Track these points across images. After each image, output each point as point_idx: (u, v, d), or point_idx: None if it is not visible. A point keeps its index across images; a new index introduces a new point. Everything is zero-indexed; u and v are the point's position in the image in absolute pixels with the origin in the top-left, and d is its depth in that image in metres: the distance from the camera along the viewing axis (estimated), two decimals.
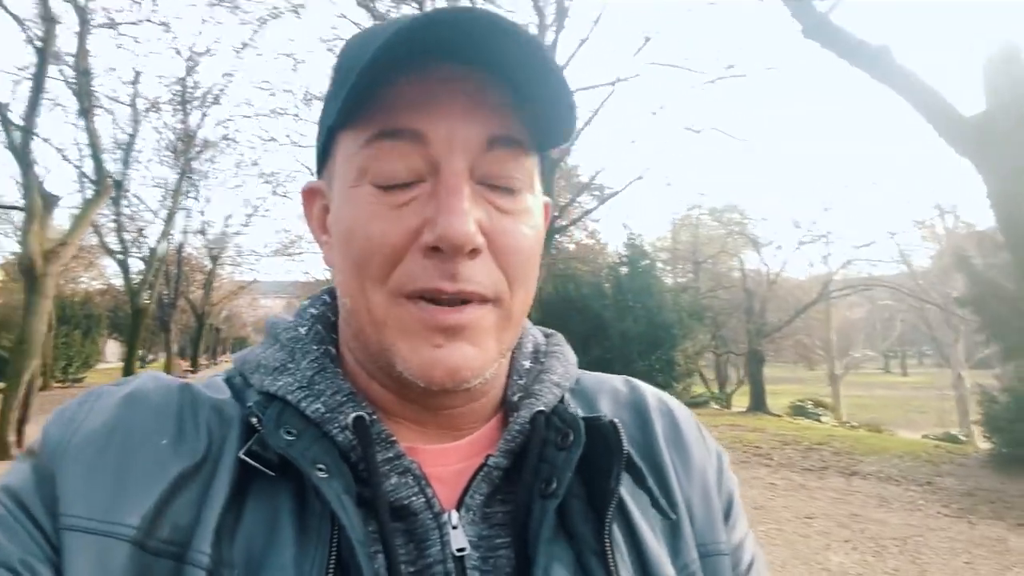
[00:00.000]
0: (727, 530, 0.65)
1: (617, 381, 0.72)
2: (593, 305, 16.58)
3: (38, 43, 10.53)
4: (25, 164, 10.66)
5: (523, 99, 0.54)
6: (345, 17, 14.84)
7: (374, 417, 0.55)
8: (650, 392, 0.71)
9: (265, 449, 0.52)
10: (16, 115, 10.81)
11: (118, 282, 26.75)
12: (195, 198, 23.95)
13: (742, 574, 0.65)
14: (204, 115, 19.92)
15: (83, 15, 11.81)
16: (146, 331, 25.16)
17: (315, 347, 0.59)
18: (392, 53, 0.49)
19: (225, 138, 21.18)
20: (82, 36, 11.80)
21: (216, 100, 19.51)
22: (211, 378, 0.62)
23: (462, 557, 0.53)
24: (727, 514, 0.66)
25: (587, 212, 19.72)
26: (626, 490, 0.59)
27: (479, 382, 0.54)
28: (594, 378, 0.71)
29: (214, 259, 29.89)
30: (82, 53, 11.82)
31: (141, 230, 22.15)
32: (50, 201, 11.34)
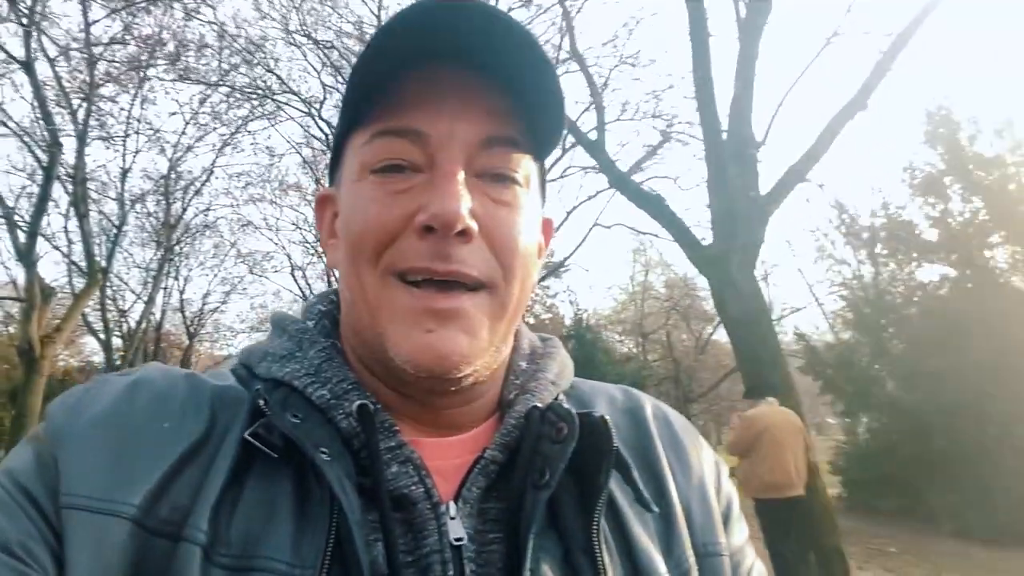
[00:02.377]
0: (727, 534, 0.65)
1: (614, 389, 0.72)
2: None
3: (44, 164, 12.60)
4: (28, 263, 12.55)
5: (520, 102, 0.56)
6: (314, 121, 17.00)
7: (378, 406, 0.56)
8: (647, 400, 0.71)
9: (270, 432, 0.52)
10: (19, 218, 12.80)
11: (97, 359, 28.10)
12: (175, 278, 25.62)
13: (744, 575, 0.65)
14: (186, 206, 21.90)
15: (82, 134, 13.93)
16: None
17: (322, 339, 0.61)
18: (391, 53, 0.52)
19: (205, 225, 23.19)
20: (80, 152, 13.88)
21: (198, 192, 21.55)
22: (216, 369, 0.63)
23: (459, 547, 0.52)
24: (727, 518, 0.67)
25: (536, 283, 21.59)
26: (618, 488, 0.60)
27: (470, 371, 0.54)
28: (591, 384, 0.72)
29: (191, 336, 31.21)
30: (80, 166, 13.87)
31: (122, 311, 23.70)
32: (48, 293, 13.22)
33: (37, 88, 12.32)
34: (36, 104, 12.67)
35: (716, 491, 0.67)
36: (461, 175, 0.53)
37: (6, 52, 12.29)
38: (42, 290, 12.85)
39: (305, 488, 0.52)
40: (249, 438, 0.52)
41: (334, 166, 0.63)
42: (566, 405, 0.60)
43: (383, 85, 0.54)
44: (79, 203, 13.81)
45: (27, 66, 12.18)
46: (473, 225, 0.53)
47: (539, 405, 0.59)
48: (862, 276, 12.80)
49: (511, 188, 0.57)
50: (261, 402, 0.53)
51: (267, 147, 21.82)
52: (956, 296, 10.73)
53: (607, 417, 0.57)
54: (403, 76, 0.54)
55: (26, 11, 12.12)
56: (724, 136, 7.30)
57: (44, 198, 12.60)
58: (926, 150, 11.79)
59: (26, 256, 12.39)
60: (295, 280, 25.24)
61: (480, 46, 0.53)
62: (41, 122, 12.65)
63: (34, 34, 12.27)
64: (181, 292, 26.48)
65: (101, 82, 14.26)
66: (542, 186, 0.63)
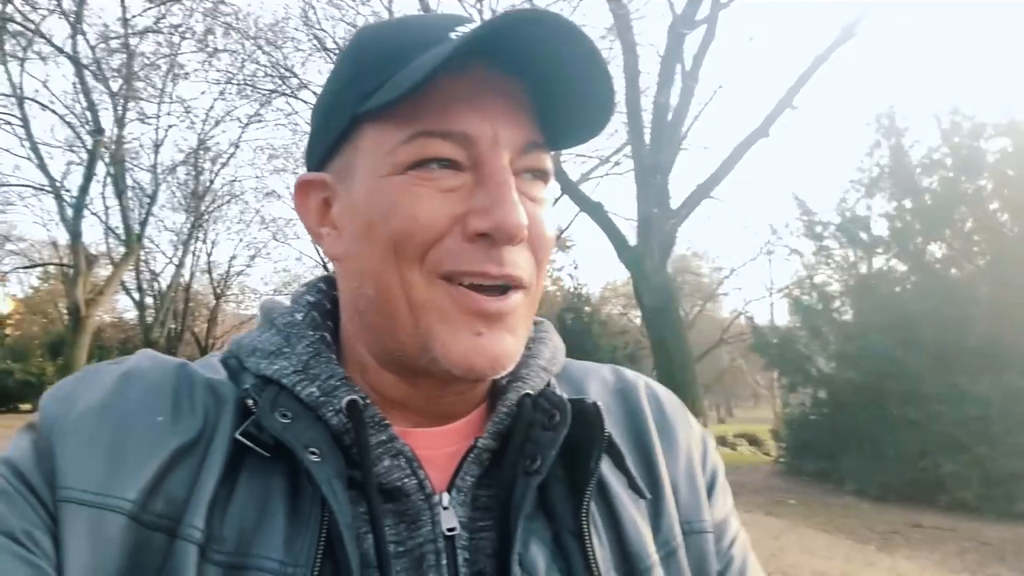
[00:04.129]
0: (711, 507, 0.67)
1: (605, 369, 0.73)
2: None
3: (89, 147, 14.37)
4: (75, 235, 14.40)
5: (554, 104, 0.55)
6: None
7: (367, 401, 0.55)
8: (637, 378, 0.72)
9: (260, 431, 0.52)
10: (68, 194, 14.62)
11: (128, 315, 30.11)
12: (203, 241, 27.24)
13: (725, 548, 0.66)
14: (214, 176, 23.56)
15: (121, 119, 15.64)
16: None
17: (311, 332, 0.60)
18: (458, 54, 0.49)
19: (231, 194, 24.90)
20: (119, 135, 15.60)
21: (225, 163, 23.18)
22: (207, 358, 0.62)
23: (452, 537, 0.53)
24: (710, 491, 0.68)
25: None
26: (609, 471, 0.60)
27: (511, 369, 0.55)
28: (582, 365, 0.72)
29: (218, 296, 32.96)
30: (119, 148, 15.61)
31: (154, 272, 25.51)
32: (91, 260, 15.12)
33: (83, 80, 14.03)
34: (81, 93, 14.37)
35: (702, 466, 0.69)
36: (513, 182, 0.52)
37: (54, 46, 13.92)
38: (86, 257, 14.73)
39: (297, 486, 0.52)
40: (240, 438, 0.52)
41: (329, 150, 0.58)
42: (558, 391, 0.61)
43: (412, 80, 0.50)
44: (118, 181, 15.62)
45: (75, 60, 13.84)
46: (527, 232, 0.52)
47: (531, 392, 0.60)
48: (815, 267, 14.20)
49: (542, 184, 0.57)
50: (250, 402, 0.54)
51: (291, 121, 23.22)
52: (883, 287, 12.19)
53: (599, 403, 0.58)
54: (443, 70, 0.49)
55: (74, 8, 13.71)
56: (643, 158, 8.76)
57: (88, 178, 14.44)
58: (875, 151, 13.10)
59: (74, 228, 14.23)
60: (315, 247, 26.53)
61: (531, 49, 0.51)
62: (82, 101, 14.33)
63: (78, 26, 13.88)
64: (209, 255, 28.03)
65: (138, 69, 15.84)
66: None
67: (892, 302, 11.55)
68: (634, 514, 0.60)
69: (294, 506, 0.52)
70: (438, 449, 0.58)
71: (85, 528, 0.48)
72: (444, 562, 0.53)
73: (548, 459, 0.55)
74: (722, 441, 23.14)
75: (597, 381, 0.70)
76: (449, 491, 0.56)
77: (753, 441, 20.77)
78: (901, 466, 9.93)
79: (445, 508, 0.55)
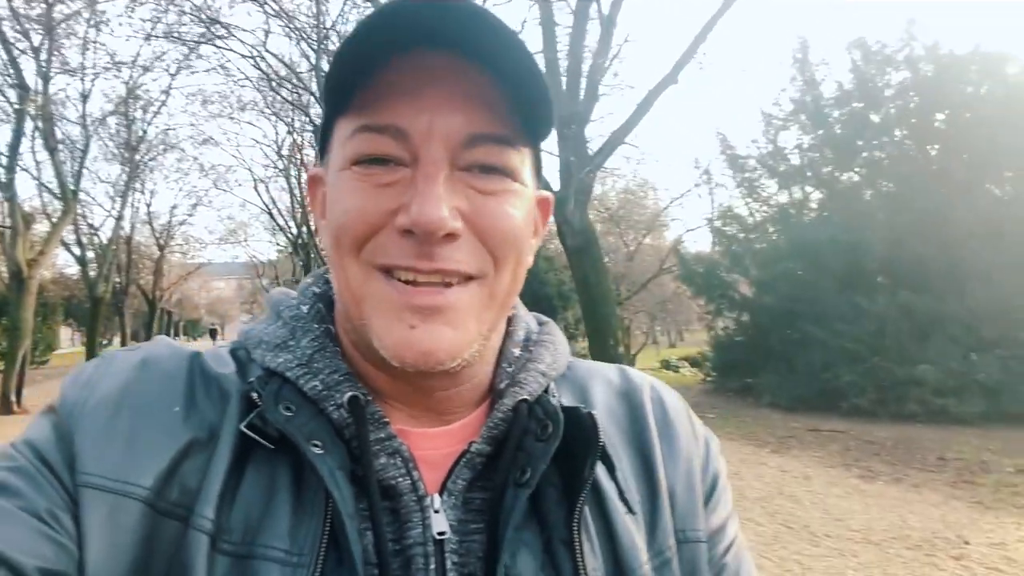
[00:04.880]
0: (707, 514, 0.66)
1: (610, 370, 0.72)
2: None
3: (16, 106, 14.10)
4: (10, 194, 14.25)
5: (506, 93, 0.53)
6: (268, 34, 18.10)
7: (368, 398, 0.56)
8: (643, 381, 0.71)
9: (265, 423, 0.53)
10: None
11: (69, 271, 29.59)
12: (141, 192, 26.78)
13: (718, 556, 0.66)
14: (146, 125, 23.12)
15: (45, 74, 15.29)
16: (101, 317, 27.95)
17: (316, 326, 0.60)
18: (375, 39, 0.50)
19: (167, 144, 24.48)
20: (45, 90, 15.28)
21: (157, 112, 22.71)
22: (218, 349, 0.63)
23: (442, 540, 0.54)
24: (708, 498, 0.67)
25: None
26: (604, 479, 0.60)
27: (457, 363, 0.54)
28: (588, 366, 0.72)
29: (161, 247, 32.42)
30: (46, 104, 15.31)
31: (92, 227, 25.05)
32: (29, 220, 15.02)
33: (2, 36, 13.66)
34: (2, 49, 14.00)
35: (703, 471, 0.68)
36: (442, 176, 0.52)
37: None
38: (23, 217, 14.64)
39: (301, 477, 0.53)
40: (246, 430, 0.53)
41: (323, 146, 0.60)
42: (554, 400, 0.60)
43: (366, 74, 0.52)
44: (48, 138, 15.35)
45: None
46: (457, 225, 0.52)
47: (528, 399, 0.59)
48: (738, 198, 15.02)
49: (499, 178, 0.55)
50: (255, 395, 0.54)
51: (222, 66, 22.68)
52: (794, 216, 13.09)
53: (597, 410, 0.59)
54: (384, 67, 0.52)
55: None
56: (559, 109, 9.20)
57: (18, 136, 14.19)
58: (789, 86, 13.78)
59: (8, 189, 14.08)
60: (258, 193, 26.29)
61: (458, 37, 0.51)
62: (2, 55, 14.02)
63: None
64: (148, 205, 27.50)
65: (59, 19, 15.42)
66: (536, 168, 0.60)
67: (803, 230, 12.49)
68: (628, 522, 0.60)
69: (298, 497, 0.52)
70: (434, 449, 0.58)
71: (104, 513, 0.49)
72: (432, 566, 0.53)
73: (538, 471, 0.55)
74: (666, 364, 24.51)
75: (602, 382, 0.70)
76: (441, 494, 0.56)
77: (695, 363, 21.99)
78: (809, 379, 11.01)
79: (436, 511, 0.55)
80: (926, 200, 10.59)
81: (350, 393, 0.55)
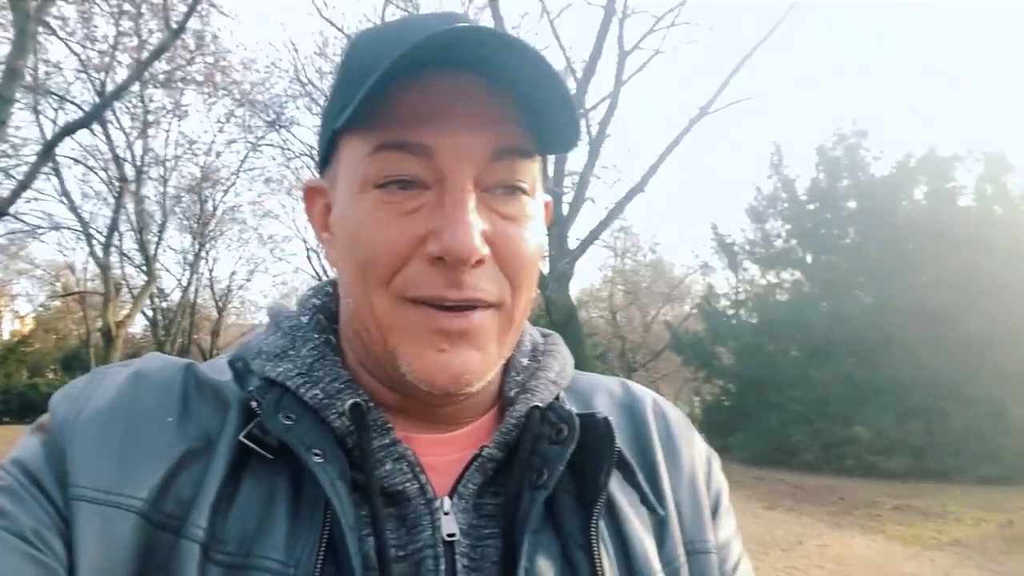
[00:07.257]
0: (714, 528, 0.66)
1: (613, 383, 0.72)
2: None
3: (115, 193, 17.13)
4: (105, 267, 17.14)
5: (528, 108, 0.54)
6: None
7: (370, 404, 0.56)
8: (645, 394, 0.71)
9: (265, 433, 0.52)
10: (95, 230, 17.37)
11: (134, 331, 32.21)
12: (204, 259, 29.41)
13: (729, 571, 0.66)
14: (216, 204, 26.04)
15: (139, 169, 18.36)
16: None
17: (316, 335, 0.60)
18: (405, 64, 0.49)
19: (232, 218, 27.36)
20: (138, 185, 18.29)
21: (226, 191, 25.64)
22: (215, 360, 0.62)
23: (452, 543, 0.53)
24: (715, 512, 0.67)
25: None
26: (616, 486, 0.60)
27: (481, 385, 0.54)
28: (589, 378, 0.71)
29: (220, 310, 34.99)
30: (139, 199, 18.31)
31: (162, 291, 27.74)
32: (118, 287, 17.89)
33: (108, 136, 16.79)
34: (108, 148, 17.08)
35: (707, 486, 0.67)
36: (472, 200, 0.52)
37: (78, 106, 16.60)
38: (115, 285, 17.47)
39: (300, 487, 0.52)
40: (244, 440, 0.52)
41: (325, 157, 0.60)
42: (567, 406, 0.60)
43: (389, 89, 0.50)
44: (140, 223, 18.31)
45: (103, 121, 16.53)
46: (486, 252, 0.52)
47: (540, 405, 0.59)
48: (724, 279, 17.13)
49: (519, 199, 0.55)
50: (254, 404, 0.53)
51: (283, 148, 25.43)
52: (765, 298, 15.13)
53: (609, 419, 0.57)
54: (409, 80, 0.51)
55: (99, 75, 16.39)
56: None
57: (116, 221, 17.19)
58: (767, 182, 15.95)
59: (104, 262, 16.98)
60: (310, 262, 28.75)
61: (487, 55, 0.50)
62: (104, 152, 17.07)
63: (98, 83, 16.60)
64: (211, 271, 29.92)
65: (152, 119, 18.47)
66: (544, 175, 0.60)
67: (769, 309, 14.54)
68: (640, 531, 0.59)
69: (296, 507, 0.52)
70: (441, 455, 0.58)
71: (97, 526, 0.48)
72: (443, 567, 0.52)
73: (555, 474, 0.54)
74: None
75: (605, 395, 0.69)
76: (451, 497, 0.55)
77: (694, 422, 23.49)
78: (768, 437, 12.87)
79: (446, 513, 0.54)
80: (867, 288, 12.58)
81: (352, 400, 0.55)
